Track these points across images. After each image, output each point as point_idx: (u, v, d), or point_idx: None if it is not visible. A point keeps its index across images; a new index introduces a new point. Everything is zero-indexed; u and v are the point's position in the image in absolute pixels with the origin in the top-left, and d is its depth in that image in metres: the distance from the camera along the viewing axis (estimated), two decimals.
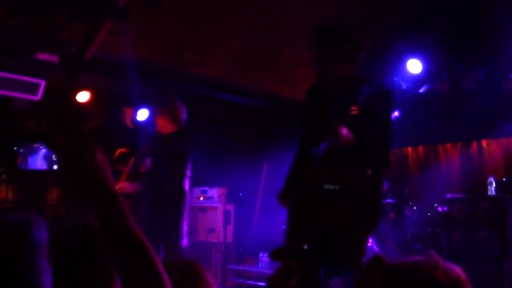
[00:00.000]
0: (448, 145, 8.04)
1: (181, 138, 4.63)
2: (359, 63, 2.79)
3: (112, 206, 1.10)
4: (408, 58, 6.20)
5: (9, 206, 6.97)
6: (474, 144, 7.71)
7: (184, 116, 4.75)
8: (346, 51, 2.73)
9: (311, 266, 2.56)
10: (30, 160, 6.27)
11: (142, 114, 4.96)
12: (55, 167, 6.36)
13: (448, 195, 6.16)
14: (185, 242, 4.52)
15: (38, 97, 5.60)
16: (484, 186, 6.30)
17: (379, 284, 1.24)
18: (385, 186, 7.07)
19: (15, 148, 6.16)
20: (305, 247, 2.58)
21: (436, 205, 6.51)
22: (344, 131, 2.53)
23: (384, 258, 1.30)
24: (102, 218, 1.10)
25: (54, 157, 6.28)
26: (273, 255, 2.78)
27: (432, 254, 1.27)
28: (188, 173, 4.65)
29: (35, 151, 6.29)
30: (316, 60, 2.81)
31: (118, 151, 5.79)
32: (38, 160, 6.33)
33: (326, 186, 2.60)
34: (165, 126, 4.66)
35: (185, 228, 4.54)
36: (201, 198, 7.51)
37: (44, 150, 6.27)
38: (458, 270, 1.23)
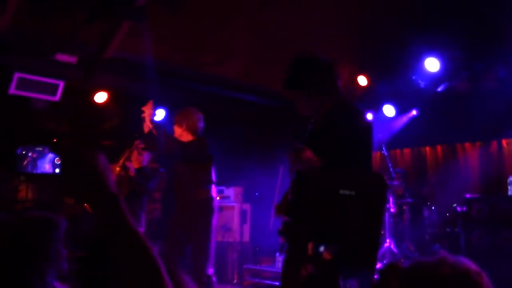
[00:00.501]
0: (467, 145, 7.96)
1: (199, 147, 4.62)
2: (335, 90, 2.87)
3: (113, 206, 1.12)
4: (426, 57, 6.15)
5: (29, 205, 7.07)
6: (494, 144, 7.62)
7: (201, 124, 4.74)
8: (317, 87, 2.81)
9: (329, 268, 2.57)
10: (39, 163, 6.36)
11: (159, 114, 4.99)
12: (57, 170, 6.43)
13: (467, 195, 6.09)
14: (211, 270, 4.51)
15: (57, 97, 5.67)
16: (504, 185, 6.22)
17: None
18: (402, 186, 7.02)
19: (24, 152, 6.24)
20: (322, 248, 2.58)
21: (455, 205, 6.44)
22: (308, 153, 2.63)
23: (400, 263, 1.30)
24: (103, 218, 1.12)
25: (57, 160, 6.35)
26: (277, 211, 2.84)
27: (440, 252, 1.27)
28: (214, 178, 4.66)
29: (43, 155, 6.38)
30: (291, 96, 2.92)
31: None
32: (46, 164, 6.42)
33: (341, 191, 2.64)
34: (182, 135, 4.65)
35: (213, 239, 4.52)
36: (218, 198, 7.53)
37: (51, 154, 6.36)
38: (467, 263, 1.23)
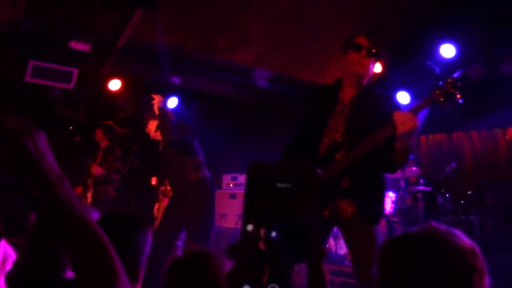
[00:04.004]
0: (483, 132, 7.87)
1: (185, 131, 4.57)
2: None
3: (56, 189, 1.08)
4: (442, 42, 6.06)
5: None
6: (511, 130, 7.51)
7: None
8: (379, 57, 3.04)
9: (276, 252, 2.60)
10: None
11: (172, 102, 4.99)
12: None
13: (482, 182, 6.05)
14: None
15: (72, 85, 5.70)
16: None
17: None
18: (416, 172, 6.98)
19: None
20: (249, 227, 2.60)
21: (469, 192, 6.39)
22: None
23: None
24: (46, 200, 1.09)
25: None
26: (229, 252, 2.84)
27: (431, 225, 1.21)
28: (202, 159, 4.63)
29: None
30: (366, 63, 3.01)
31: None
32: None
33: (278, 184, 2.65)
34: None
35: (211, 224, 4.48)
36: (231, 185, 7.55)
37: None
38: (461, 238, 1.16)
